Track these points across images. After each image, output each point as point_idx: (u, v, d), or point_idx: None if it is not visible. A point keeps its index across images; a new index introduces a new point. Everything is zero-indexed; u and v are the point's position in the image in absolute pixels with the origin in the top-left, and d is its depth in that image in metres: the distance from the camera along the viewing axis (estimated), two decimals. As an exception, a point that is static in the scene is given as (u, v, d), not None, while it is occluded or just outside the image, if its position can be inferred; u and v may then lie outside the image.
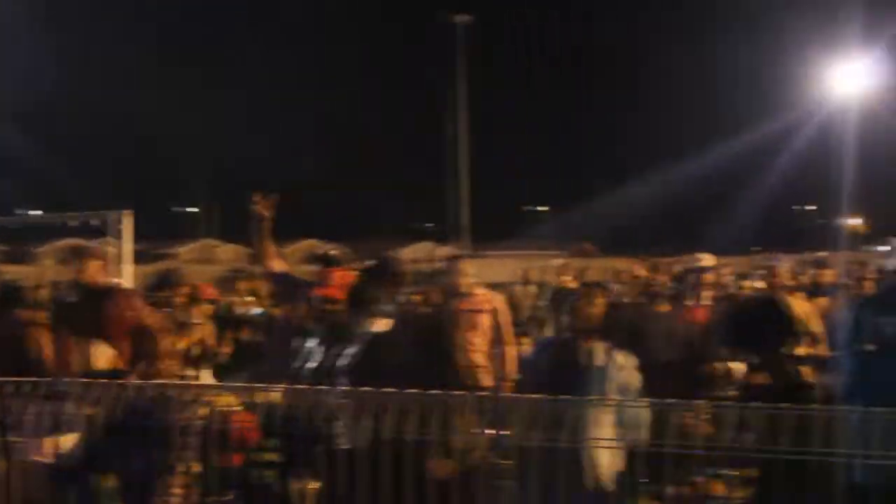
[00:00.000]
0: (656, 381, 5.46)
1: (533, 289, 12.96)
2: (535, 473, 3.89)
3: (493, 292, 7.07)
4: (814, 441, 3.06)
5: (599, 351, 4.39)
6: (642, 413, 4.12)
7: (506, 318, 6.67)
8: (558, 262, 12.12)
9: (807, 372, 4.53)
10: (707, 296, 6.40)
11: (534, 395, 3.87)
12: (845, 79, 36.79)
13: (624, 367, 4.34)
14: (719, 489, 5.58)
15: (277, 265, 6.21)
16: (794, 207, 79.98)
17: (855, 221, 36.12)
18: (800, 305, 6.74)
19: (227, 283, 10.38)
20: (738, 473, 4.74)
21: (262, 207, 6.00)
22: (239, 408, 4.89)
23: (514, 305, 10.16)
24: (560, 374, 4.34)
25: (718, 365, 5.40)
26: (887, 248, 4.98)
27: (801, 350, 4.36)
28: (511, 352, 6.54)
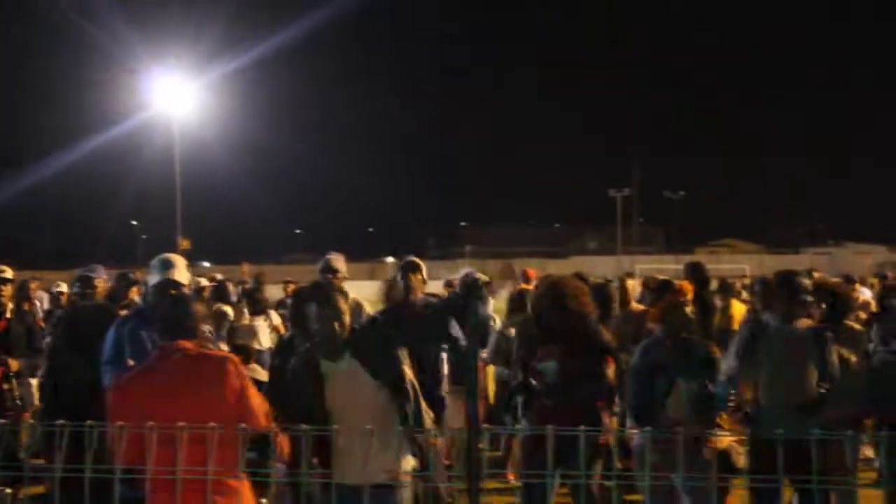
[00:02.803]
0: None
1: None
2: None
3: None
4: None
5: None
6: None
7: None
8: None
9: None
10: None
11: None
12: (168, 98, 36.26)
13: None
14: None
15: None
16: (133, 223, 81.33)
17: (180, 238, 37.24)
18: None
19: None
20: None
21: None
22: None
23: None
24: None
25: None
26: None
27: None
28: None
